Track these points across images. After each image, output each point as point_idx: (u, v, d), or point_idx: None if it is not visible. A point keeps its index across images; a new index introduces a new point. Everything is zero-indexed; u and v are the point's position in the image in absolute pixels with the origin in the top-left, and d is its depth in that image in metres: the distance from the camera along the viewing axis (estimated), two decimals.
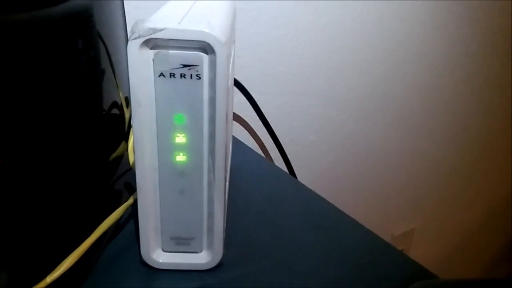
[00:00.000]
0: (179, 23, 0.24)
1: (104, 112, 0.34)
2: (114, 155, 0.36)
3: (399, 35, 0.74)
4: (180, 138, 0.27)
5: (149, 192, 0.28)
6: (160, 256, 0.30)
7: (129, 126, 0.39)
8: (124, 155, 0.38)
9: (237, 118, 0.63)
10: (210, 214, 0.29)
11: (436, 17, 0.78)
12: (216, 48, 0.24)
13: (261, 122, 0.59)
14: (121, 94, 0.37)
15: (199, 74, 0.25)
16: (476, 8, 0.82)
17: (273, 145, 0.61)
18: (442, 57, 0.83)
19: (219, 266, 0.30)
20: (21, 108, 0.25)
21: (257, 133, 0.65)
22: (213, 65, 0.25)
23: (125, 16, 0.39)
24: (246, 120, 0.63)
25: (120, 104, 0.37)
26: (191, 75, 0.25)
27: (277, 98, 0.66)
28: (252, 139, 0.65)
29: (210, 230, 0.29)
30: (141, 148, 0.27)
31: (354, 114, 0.76)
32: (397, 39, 0.74)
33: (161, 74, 0.25)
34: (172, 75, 0.25)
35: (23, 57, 0.25)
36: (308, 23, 0.63)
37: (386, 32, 0.72)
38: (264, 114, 0.59)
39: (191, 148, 0.27)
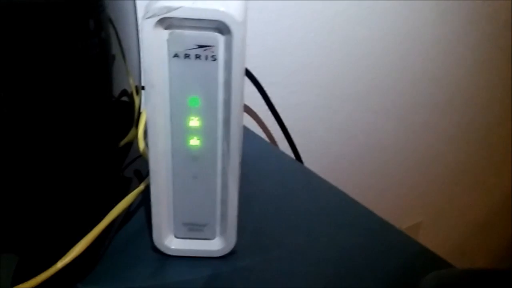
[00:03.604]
0: (194, 2, 0.23)
1: (114, 98, 0.33)
2: (124, 141, 0.36)
3: (407, 27, 0.73)
4: (194, 122, 0.26)
5: (162, 177, 0.27)
6: (172, 242, 0.29)
7: (139, 112, 0.38)
8: (134, 142, 0.37)
9: (244, 107, 0.62)
10: (224, 200, 0.28)
11: (443, 11, 0.77)
12: (232, 28, 0.24)
13: (269, 112, 0.59)
14: (131, 81, 0.37)
15: (215, 55, 0.25)
16: (480, 4, 0.82)
17: (281, 136, 0.60)
18: (449, 53, 0.82)
19: (232, 253, 0.30)
20: (32, 92, 0.25)
21: (265, 123, 0.65)
22: (229, 46, 0.24)
23: (135, 1, 0.38)
24: (254, 110, 0.63)
25: (130, 90, 0.36)
26: (206, 56, 0.25)
27: (285, 88, 0.65)
28: (260, 128, 0.65)
29: (224, 216, 0.29)
30: (154, 131, 0.26)
31: (362, 106, 0.75)
32: (406, 30, 0.74)
33: (176, 55, 0.24)
34: (186, 56, 0.24)
35: (33, 41, 0.24)
36: (317, 12, 0.62)
37: (395, 22, 0.71)
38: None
39: (205, 132, 0.26)
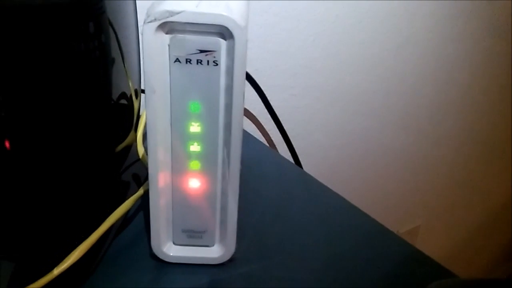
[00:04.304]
0: (196, 6, 0.23)
1: (113, 101, 0.33)
2: (122, 145, 0.35)
3: (408, 31, 0.73)
4: (195, 127, 0.26)
5: (161, 182, 0.27)
6: (170, 249, 0.29)
7: (138, 116, 0.38)
8: (132, 145, 0.37)
9: (244, 111, 0.61)
10: (224, 207, 0.28)
11: (445, 14, 0.76)
12: (235, 33, 0.23)
13: (268, 116, 0.58)
14: (130, 84, 0.36)
15: (216, 61, 0.24)
16: (481, 7, 0.81)
17: (280, 139, 0.60)
18: (449, 57, 0.82)
19: (231, 260, 0.29)
20: (30, 95, 0.24)
21: (264, 126, 0.64)
22: (231, 51, 0.24)
23: (135, 4, 0.38)
24: (253, 113, 0.62)
25: (129, 93, 0.36)
26: (208, 61, 0.24)
27: (285, 91, 0.64)
28: (259, 132, 0.64)
29: (223, 223, 0.28)
30: (154, 136, 0.25)
31: (362, 110, 0.75)
32: (407, 34, 0.73)
33: (177, 60, 0.24)
34: (188, 61, 0.24)
35: (31, 44, 0.23)
36: (318, 15, 0.62)
37: (395, 26, 0.71)
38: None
39: (206, 138, 0.26)
